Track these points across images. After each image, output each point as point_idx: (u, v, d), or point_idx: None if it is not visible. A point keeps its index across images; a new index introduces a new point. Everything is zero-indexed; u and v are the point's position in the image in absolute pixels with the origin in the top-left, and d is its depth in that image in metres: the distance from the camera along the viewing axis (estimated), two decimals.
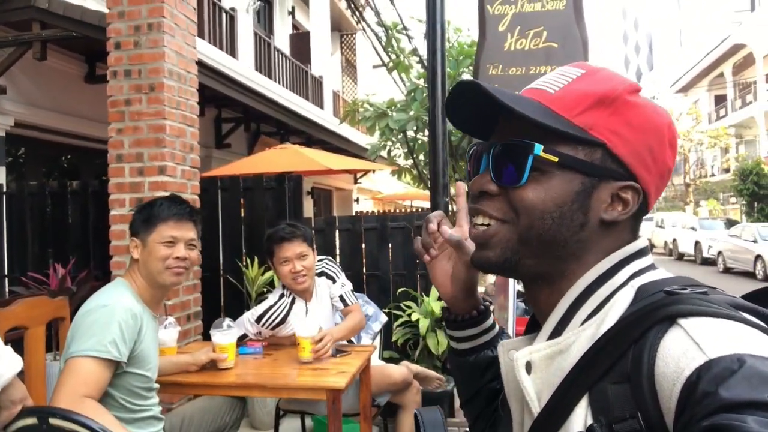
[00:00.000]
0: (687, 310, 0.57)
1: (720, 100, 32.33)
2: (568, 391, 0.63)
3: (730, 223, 18.56)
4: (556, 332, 0.69)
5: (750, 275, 14.22)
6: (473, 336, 0.94)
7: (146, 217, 1.97)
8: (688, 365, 0.53)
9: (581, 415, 0.61)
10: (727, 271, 15.49)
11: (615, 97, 0.69)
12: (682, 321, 0.57)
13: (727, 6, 33.69)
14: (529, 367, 0.69)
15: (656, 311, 0.59)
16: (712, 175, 31.07)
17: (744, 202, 21.70)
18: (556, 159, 0.68)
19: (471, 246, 0.82)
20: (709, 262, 17.01)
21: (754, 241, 14.23)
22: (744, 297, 0.66)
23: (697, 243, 18.06)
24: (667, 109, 0.72)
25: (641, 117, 0.69)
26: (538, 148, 0.67)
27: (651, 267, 0.70)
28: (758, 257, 13.86)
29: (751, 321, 0.56)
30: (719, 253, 16.17)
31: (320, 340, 2.49)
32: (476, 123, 0.79)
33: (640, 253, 0.70)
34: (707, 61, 31.16)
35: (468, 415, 0.97)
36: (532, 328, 0.79)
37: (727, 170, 27.70)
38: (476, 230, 0.74)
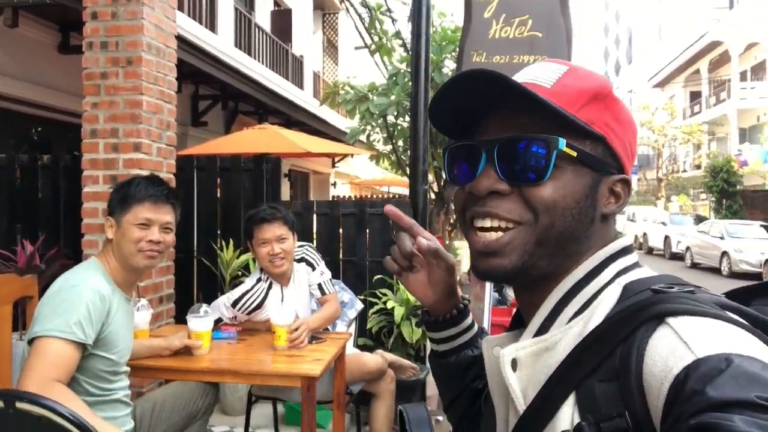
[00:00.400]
0: (675, 309, 0.57)
1: (695, 96, 32.81)
2: (555, 389, 0.63)
3: (699, 219, 18.98)
4: (543, 329, 0.69)
5: (716, 271, 14.57)
6: (453, 336, 0.93)
7: (122, 196, 1.90)
8: (677, 364, 0.53)
9: (568, 413, 0.61)
10: (695, 266, 15.84)
11: (606, 93, 0.70)
12: (670, 320, 0.57)
13: (706, 2, 34.07)
14: (514, 364, 0.68)
15: (644, 310, 0.59)
16: (684, 170, 31.60)
17: (713, 199, 22.14)
18: (575, 154, 0.67)
19: (445, 251, 0.85)
20: (677, 257, 17.38)
21: (721, 238, 14.56)
22: (726, 295, 0.67)
23: (666, 237, 18.42)
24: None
25: (624, 112, 0.72)
26: (562, 143, 0.66)
27: (636, 265, 0.70)
28: (724, 254, 14.19)
29: (737, 320, 0.57)
30: (687, 248, 16.52)
31: (296, 329, 2.46)
32: (455, 121, 0.76)
33: (625, 251, 0.71)
34: (684, 56, 31.53)
35: (452, 418, 0.96)
36: (516, 324, 0.78)
37: (698, 166, 28.21)
38: (486, 237, 0.70)
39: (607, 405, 0.58)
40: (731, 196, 21.18)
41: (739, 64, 27.46)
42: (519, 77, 0.72)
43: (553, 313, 0.69)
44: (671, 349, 0.54)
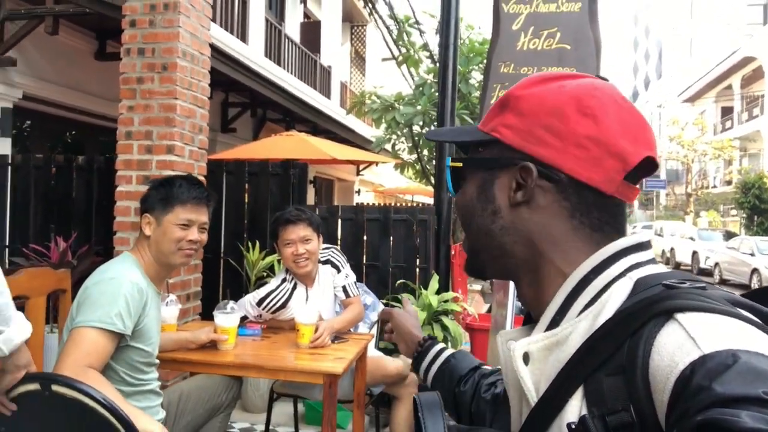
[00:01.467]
0: (684, 304, 0.58)
1: (726, 111, 32.27)
2: (564, 382, 0.63)
3: (729, 235, 18.58)
4: (554, 323, 0.70)
5: (745, 287, 14.25)
6: (438, 353, 1.14)
7: (164, 196, 1.97)
8: (683, 359, 0.53)
9: (576, 405, 0.62)
10: (723, 282, 15.51)
11: (507, 97, 0.76)
12: (678, 315, 0.57)
13: (739, 18, 33.56)
14: (526, 357, 0.70)
15: (654, 305, 0.59)
16: (714, 186, 31.04)
17: (744, 215, 21.69)
18: (460, 164, 0.80)
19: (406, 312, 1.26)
20: (705, 272, 17.03)
21: (752, 254, 14.27)
22: (744, 296, 0.66)
23: (694, 253, 18.09)
24: (594, 85, 0.73)
25: (531, 102, 0.73)
26: (448, 161, 0.82)
27: (651, 261, 0.70)
28: (755, 270, 13.90)
29: (747, 317, 0.57)
30: (716, 264, 16.20)
31: (319, 333, 2.51)
32: None
33: (639, 247, 0.70)
34: (716, 72, 31.07)
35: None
36: (530, 319, 0.79)
37: (729, 182, 27.68)
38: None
39: (612, 399, 0.58)
40: (763, 212, 20.72)
41: None
42: None
43: (563, 307, 0.70)
44: (678, 344, 0.55)
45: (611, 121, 0.70)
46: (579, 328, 0.66)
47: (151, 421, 1.66)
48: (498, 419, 0.85)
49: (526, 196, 0.72)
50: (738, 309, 0.58)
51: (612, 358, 0.60)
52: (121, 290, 1.77)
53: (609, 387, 0.59)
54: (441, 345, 1.16)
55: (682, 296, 0.59)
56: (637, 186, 0.74)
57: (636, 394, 0.57)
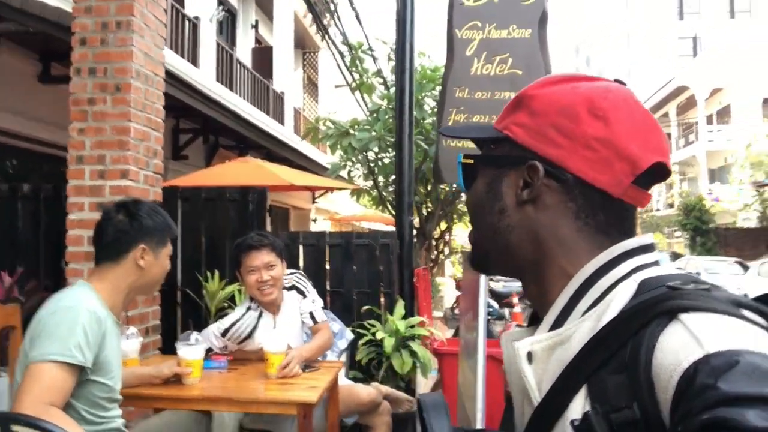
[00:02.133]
0: (688, 305, 0.58)
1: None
2: (568, 381, 0.63)
3: (675, 256, 19.31)
4: (558, 323, 0.70)
5: None
6: None
7: (163, 227, 1.95)
8: (686, 358, 0.53)
9: (580, 404, 0.61)
10: None
11: (521, 97, 0.77)
12: (682, 316, 0.57)
13: (672, 50, 35.37)
14: (530, 357, 0.70)
15: (657, 305, 0.59)
16: (658, 209, 32.30)
17: (687, 236, 22.60)
18: (472, 161, 0.80)
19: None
20: None
21: (698, 274, 14.77)
22: (757, 299, 0.65)
23: None
24: (608, 87, 0.74)
25: (543, 102, 0.74)
26: (460, 156, 0.81)
27: (655, 263, 0.70)
28: None
29: (751, 319, 0.57)
30: None
31: (287, 363, 2.40)
32: None
33: (644, 249, 0.71)
34: (654, 100, 32.57)
35: None
36: (534, 320, 0.79)
37: (671, 205, 28.84)
38: None
39: (616, 396, 0.58)
40: (705, 233, 21.65)
41: (705, 108, 28.48)
42: None
43: (567, 308, 0.70)
44: (682, 343, 0.55)
45: (622, 124, 0.70)
46: (582, 328, 0.66)
47: None
48: (504, 422, 0.84)
49: (533, 195, 0.73)
50: (742, 310, 0.58)
51: (615, 356, 0.60)
52: (79, 320, 1.64)
53: (613, 385, 0.59)
54: None
55: (686, 297, 0.59)
56: (649, 192, 0.74)
57: (639, 391, 0.57)
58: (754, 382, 0.48)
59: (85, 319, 1.65)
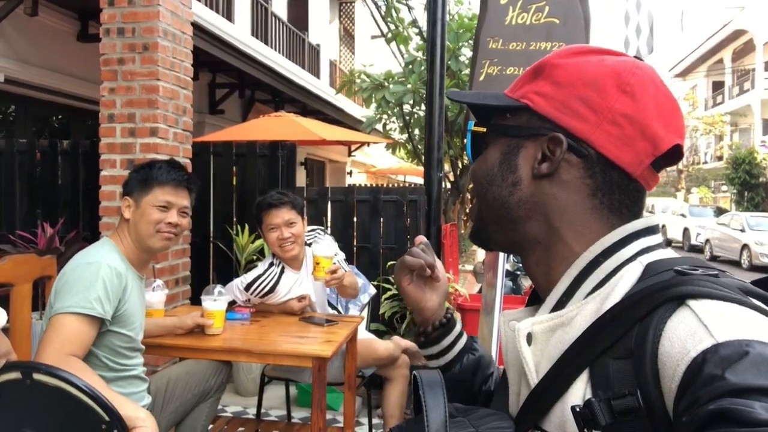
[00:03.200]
0: (697, 291, 0.56)
1: (718, 86, 32.22)
2: (569, 365, 0.62)
3: (720, 212, 18.67)
4: (560, 304, 0.69)
5: (736, 264, 14.37)
6: (450, 345, 0.94)
7: (143, 177, 1.94)
8: (695, 347, 0.52)
9: (581, 388, 0.61)
10: (714, 259, 15.62)
11: (542, 65, 0.73)
12: (691, 302, 0.56)
13: None
14: (529, 338, 0.69)
15: (665, 290, 0.58)
16: (705, 162, 31.13)
17: (735, 191, 21.78)
18: (484, 129, 0.76)
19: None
20: (696, 249, 17.16)
21: (742, 230, 14.34)
22: (754, 283, 0.65)
23: (685, 230, 18.18)
24: (635, 63, 0.70)
25: (569, 73, 0.70)
26: (471, 124, 0.77)
27: (660, 245, 0.69)
28: (744, 246, 13.99)
29: (760, 307, 0.56)
30: (707, 240, 16.30)
31: (336, 270, 2.62)
32: None
33: (650, 231, 0.69)
34: (707, 45, 30.94)
35: None
36: (534, 300, 0.78)
37: (720, 158, 27.77)
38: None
39: (619, 383, 0.58)
40: (753, 188, 20.82)
41: (764, 54, 26.87)
42: None
43: (570, 289, 0.68)
44: (690, 331, 0.54)
45: (648, 103, 0.67)
46: (585, 310, 0.65)
47: (136, 408, 1.64)
48: (495, 401, 0.82)
49: (551, 169, 0.70)
50: (751, 298, 0.57)
51: (620, 341, 0.59)
52: (99, 274, 1.74)
53: (616, 371, 0.58)
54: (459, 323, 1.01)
55: (695, 283, 0.57)
56: (659, 174, 0.72)
57: (643, 379, 0.56)
58: (762, 374, 0.48)
59: (105, 274, 1.75)
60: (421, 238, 0.95)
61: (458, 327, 0.95)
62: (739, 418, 0.46)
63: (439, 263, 0.93)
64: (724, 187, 25.39)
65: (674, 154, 0.70)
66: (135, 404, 1.68)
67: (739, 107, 28.08)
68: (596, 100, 0.68)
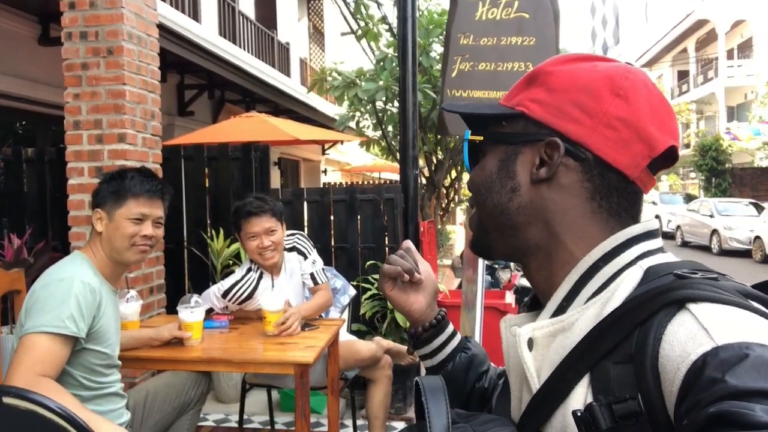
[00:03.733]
0: (697, 295, 0.56)
1: (683, 75, 32.85)
2: (570, 370, 0.63)
3: (689, 198, 19.07)
4: (561, 309, 0.69)
5: (706, 249, 14.67)
6: (443, 344, 0.97)
7: (115, 189, 1.86)
8: (695, 350, 0.52)
9: (582, 393, 0.61)
10: (685, 245, 15.95)
11: (536, 73, 0.74)
12: (691, 306, 0.56)
13: None
14: (530, 343, 0.69)
15: (665, 294, 0.58)
16: None
17: (702, 178, 22.23)
18: (481, 138, 0.77)
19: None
20: (668, 236, 17.47)
21: (711, 216, 14.64)
22: (754, 286, 0.65)
23: (657, 217, 18.38)
24: (627, 68, 0.71)
25: (563, 79, 0.71)
26: (467, 134, 0.77)
27: (660, 249, 0.69)
28: (714, 231, 14.29)
29: (760, 310, 0.56)
30: (678, 227, 16.61)
31: (286, 319, 2.45)
32: None
33: (650, 235, 0.69)
34: (671, 36, 31.51)
35: None
36: (534, 305, 0.78)
37: (687, 145, 28.29)
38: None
39: (620, 387, 0.58)
40: (720, 174, 21.26)
41: (726, 43, 27.48)
42: None
43: (571, 294, 0.69)
44: (691, 334, 0.54)
45: (642, 105, 0.69)
46: (586, 315, 0.65)
47: (114, 429, 1.59)
48: (497, 406, 0.83)
49: (550, 173, 0.70)
50: (750, 301, 0.57)
51: (620, 346, 0.59)
52: (72, 291, 1.68)
53: (617, 375, 0.59)
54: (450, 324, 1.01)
55: (695, 286, 0.58)
56: (654, 177, 0.73)
57: (644, 383, 0.56)
58: (762, 377, 0.48)
59: (78, 290, 1.69)
60: (407, 243, 0.97)
61: (450, 328, 0.97)
62: (740, 421, 0.46)
63: (424, 264, 0.95)
64: (693, 174, 25.90)
65: (669, 156, 0.71)
66: (113, 425, 1.63)
67: (704, 95, 28.67)
68: (591, 104, 0.69)
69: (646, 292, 0.60)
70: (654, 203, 19.23)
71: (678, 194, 21.49)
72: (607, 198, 0.69)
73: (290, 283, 2.84)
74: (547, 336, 0.68)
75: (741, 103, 26.66)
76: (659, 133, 0.68)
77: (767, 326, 0.53)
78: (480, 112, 0.78)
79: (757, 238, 12.68)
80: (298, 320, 2.50)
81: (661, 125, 0.69)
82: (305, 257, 2.89)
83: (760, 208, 14.31)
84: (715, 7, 27.17)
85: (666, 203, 18.84)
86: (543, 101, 0.71)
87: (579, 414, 0.59)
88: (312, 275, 2.86)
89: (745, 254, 13.19)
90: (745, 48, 27.63)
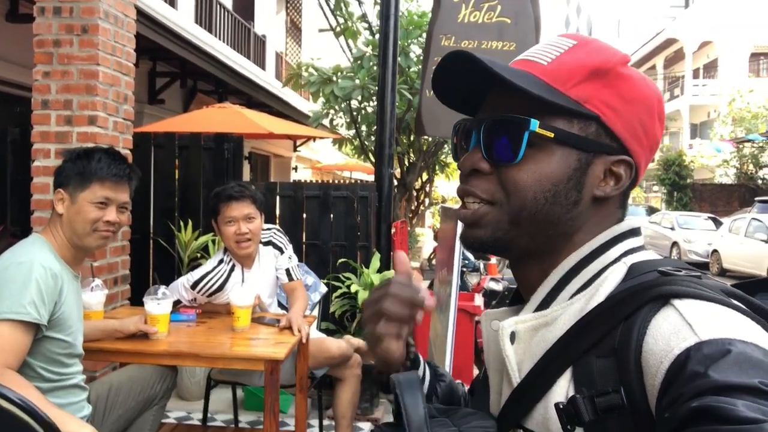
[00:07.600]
0: (681, 291, 0.57)
1: None
2: (552, 363, 0.62)
3: (652, 211, 19.53)
4: (544, 304, 0.68)
5: None
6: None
7: (80, 170, 1.76)
8: (678, 344, 0.52)
9: (564, 386, 0.61)
10: None
11: (609, 69, 0.66)
12: (675, 302, 0.56)
13: (663, 0, 34.86)
14: (513, 337, 0.68)
15: (650, 290, 0.58)
16: None
17: (665, 191, 22.81)
18: (552, 135, 0.65)
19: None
20: None
21: (672, 229, 15.05)
22: (735, 286, 0.65)
23: None
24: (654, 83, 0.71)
25: (632, 89, 0.67)
26: (534, 124, 0.64)
27: (642, 247, 0.69)
28: (674, 244, 14.67)
29: (741, 308, 0.56)
30: None
31: (295, 325, 2.43)
32: (460, 96, 0.75)
33: (633, 233, 0.69)
34: (641, 52, 32.28)
35: None
36: (516, 299, 0.77)
37: (651, 160, 29.10)
38: (465, 210, 0.71)
39: (603, 380, 0.58)
40: (682, 188, 21.86)
41: (693, 62, 28.26)
42: (523, 54, 0.71)
43: (555, 289, 0.68)
44: (675, 329, 0.54)
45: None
46: (570, 310, 0.64)
47: (79, 425, 1.50)
48: (476, 401, 0.81)
49: (616, 192, 0.68)
50: (732, 299, 0.57)
51: (604, 340, 0.59)
52: (32, 275, 1.58)
53: (599, 369, 0.58)
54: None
55: (679, 283, 0.58)
56: None
57: (627, 376, 0.56)
58: (744, 372, 0.48)
59: (38, 274, 1.60)
60: (406, 266, 0.75)
61: (420, 358, 0.86)
62: (722, 416, 0.46)
63: (424, 290, 0.72)
64: (656, 188, 26.54)
65: None
66: (78, 420, 1.55)
67: (669, 112, 29.38)
68: (648, 124, 0.68)
69: (630, 288, 0.60)
70: None
71: (641, 206, 21.97)
72: (623, 207, 0.72)
73: (263, 278, 2.77)
74: (529, 330, 0.67)
75: (704, 121, 27.47)
76: (652, 154, 0.72)
77: (749, 323, 0.54)
78: (539, 95, 0.63)
79: (715, 251, 13.08)
80: (304, 323, 2.47)
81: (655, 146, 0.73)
82: (281, 252, 2.83)
83: (718, 223, 14.76)
84: (685, 27, 27.94)
85: (629, 215, 18.93)
86: (618, 110, 0.66)
87: (561, 406, 0.59)
88: (287, 271, 2.80)
89: (703, 267, 13.54)
90: (710, 68, 28.48)
